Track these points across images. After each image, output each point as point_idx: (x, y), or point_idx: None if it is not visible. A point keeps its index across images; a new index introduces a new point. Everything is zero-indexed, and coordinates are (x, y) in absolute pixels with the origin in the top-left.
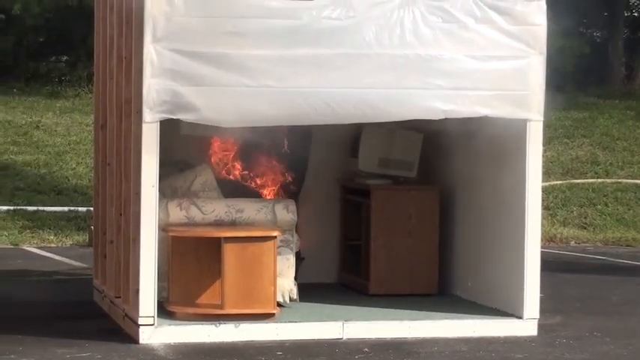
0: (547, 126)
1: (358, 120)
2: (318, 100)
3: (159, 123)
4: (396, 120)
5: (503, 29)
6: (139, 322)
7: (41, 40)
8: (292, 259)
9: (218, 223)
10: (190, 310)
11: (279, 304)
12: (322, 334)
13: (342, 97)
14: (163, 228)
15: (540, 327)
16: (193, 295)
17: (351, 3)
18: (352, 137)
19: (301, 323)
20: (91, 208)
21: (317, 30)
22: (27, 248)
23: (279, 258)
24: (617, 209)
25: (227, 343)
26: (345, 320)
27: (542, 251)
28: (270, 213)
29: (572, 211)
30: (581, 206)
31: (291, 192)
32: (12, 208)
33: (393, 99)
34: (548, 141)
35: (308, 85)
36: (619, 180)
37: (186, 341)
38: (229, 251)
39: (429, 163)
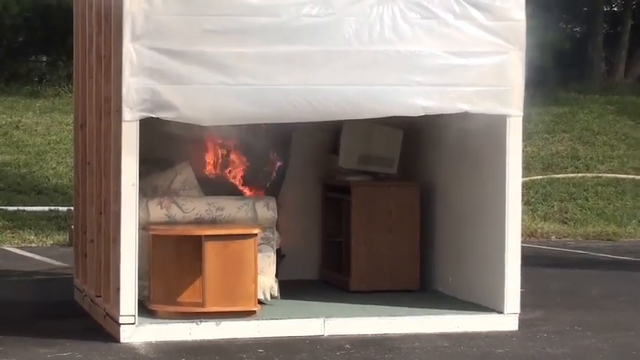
0: (527, 121)
1: (338, 117)
2: (297, 98)
3: (138, 122)
4: (376, 117)
5: (482, 25)
6: (120, 321)
7: (21, 39)
8: (273, 257)
9: (199, 222)
10: (171, 309)
11: (260, 302)
12: (303, 331)
13: (322, 95)
14: (144, 227)
15: (521, 322)
16: (174, 293)
17: (330, 0)
18: (333, 134)
19: (282, 320)
20: (72, 208)
21: (296, 27)
22: (7, 248)
23: (259, 255)
24: (598, 204)
25: (208, 341)
26: (327, 317)
27: (522, 246)
28: (250, 211)
29: (552, 206)
30: (561, 201)
31: (269, 194)
32: None
33: (373, 96)
34: (528, 136)
35: (287, 83)
36: (599, 174)
37: (167, 339)
38: (210, 249)
39: (409, 160)
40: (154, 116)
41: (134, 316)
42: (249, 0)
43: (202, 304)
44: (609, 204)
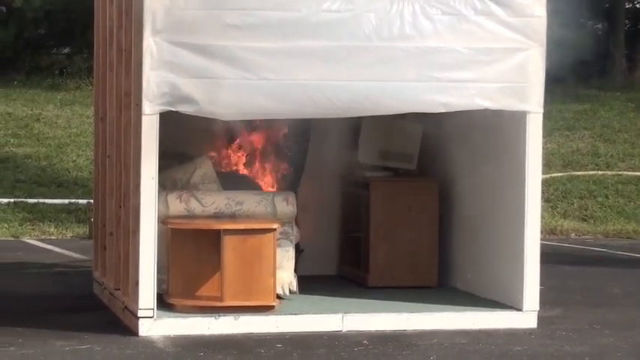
0: (548, 118)
1: (357, 113)
2: (317, 93)
3: (158, 115)
4: (396, 113)
5: (502, 21)
6: (139, 315)
7: (42, 32)
8: (292, 252)
9: (218, 216)
10: (190, 303)
11: (278, 297)
12: (322, 327)
13: (341, 90)
14: (163, 220)
15: (540, 319)
16: (193, 287)
17: None
18: (352, 130)
19: (301, 315)
20: (92, 201)
21: (316, 22)
22: (27, 240)
23: (278, 250)
24: (618, 201)
25: (226, 336)
26: (345, 312)
27: (542, 243)
28: (269, 205)
29: (572, 204)
30: (581, 198)
31: (290, 184)
32: (12, 200)
33: (393, 92)
34: (548, 133)
35: (307, 78)
36: (620, 172)
37: (185, 333)
38: (229, 243)
39: (428, 156)
40: (173, 110)
41: (153, 309)
42: None
43: (221, 299)
44: (629, 202)
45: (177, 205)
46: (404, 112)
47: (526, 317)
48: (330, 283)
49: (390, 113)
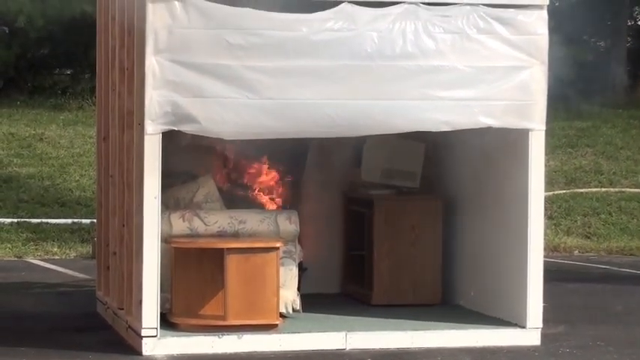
0: (550, 135)
1: (360, 133)
2: (319, 112)
3: (161, 134)
4: (398, 132)
5: (505, 39)
6: (142, 334)
7: (45, 52)
8: (295, 270)
9: (221, 234)
10: (193, 322)
11: (282, 315)
12: (325, 345)
13: (343, 109)
14: (166, 239)
15: (544, 336)
16: (196, 306)
17: (353, 15)
18: (355, 148)
19: (304, 334)
20: (95, 220)
21: (318, 42)
22: (31, 260)
23: (281, 269)
24: (621, 218)
25: (230, 354)
26: (348, 331)
27: (545, 261)
28: (272, 224)
29: (575, 221)
30: (584, 215)
31: (292, 185)
32: (16, 220)
33: (395, 111)
34: (551, 150)
35: (309, 97)
36: (623, 189)
37: (189, 352)
38: (232, 262)
39: (432, 174)
40: (176, 129)
41: (156, 328)
42: (271, 14)
43: (224, 317)
44: (633, 219)
45: (180, 224)
46: (407, 130)
47: (530, 335)
48: (333, 301)
49: (393, 132)
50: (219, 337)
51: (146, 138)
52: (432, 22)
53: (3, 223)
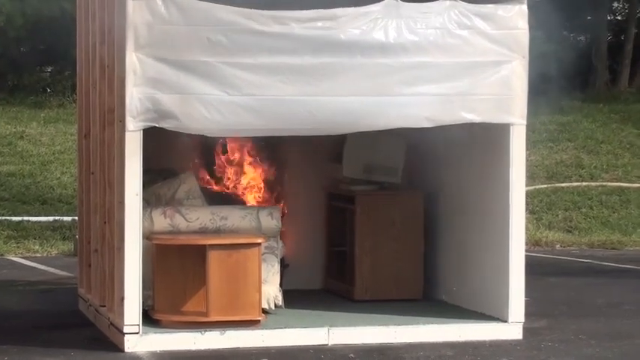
0: (531, 130)
1: (342, 129)
2: (301, 109)
3: (142, 131)
4: (380, 129)
5: (485, 34)
6: (125, 331)
7: (25, 50)
8: (277, 266)
9: (202, 231)
10: (175, 318)
11: (264, 311)
12: (308, 341)
13: (326, 106)
14: (148, 236)
15: (526, 330)
16: (178, 302)
17: (335, 12)
18: (336, 143)
19: (287, 329)
20: (76, 218)
21: (300, 38)
22: (12, 258)
23: (263, 265)
24: (602, 212)
25: (213, 351)
26: (331, 326)
27: (527, 255)
28: (254, 220)
29: (557, 215)
30: (566, 210)
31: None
32: None
33: (377, 108)
34: (532, 145)
35: (290, 94)
36: (604, 183)
37: (171, 349)
38: (214, 258)
39: (413, 169)
40: (157, 126)
41: (138, 325)
42: (252, 11)
43: (206, 314)
44: (613, 212)
45: (161, 220)
46: (389, 127)
47: (512, 329)
48: (315, 297)
49: (376, 129)
50: (201, 334)
51: (127, 135)
52: (413, 19)
53: None
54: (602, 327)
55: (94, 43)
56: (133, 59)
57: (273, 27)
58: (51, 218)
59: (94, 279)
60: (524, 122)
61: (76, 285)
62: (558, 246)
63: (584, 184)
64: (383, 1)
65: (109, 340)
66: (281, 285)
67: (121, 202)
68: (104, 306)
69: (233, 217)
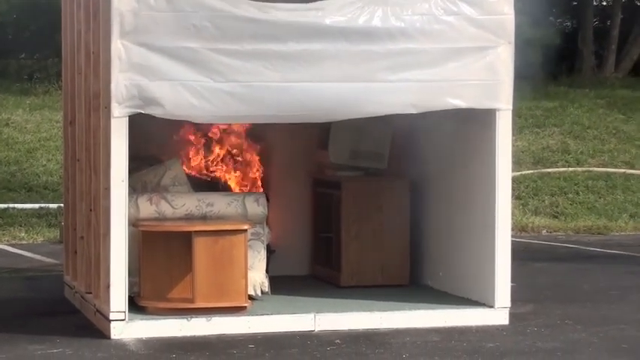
0: (517, 115)
1: (328, 116)
2: (287, 96)
3: (127, 118)
4: (367, 116)
5: (471, 19)
6: (111, 318)
7: (10, 37)
8: (263, 252)
9: (188, 218)
10: (162, 305)
11: (250, 297)
12: (294, 327)
13: (311, 93)
14: (134, 223)
15: (512, 316)
16: (164, 289)
17: (321, 3)
18: (322, 129)
19: (273, 316)
20: (62, 205)
21: (287, 25)
22: None
23: (250, 251)
24: (588, 197)
25: (199, 337)
26: (317, 312)
27: (514, 241)
28: (240, 206)
29: (543, 200)
30: (552, 195)
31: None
32: None
33: (363, 94)
34: (518, 130)
35: (277, 80)
36: (590, 168)
37: (158, 336)
38: (200, 245)
39: (399, 155)
40: (142, 112)
41: (124, 312)
42: None
43: (192, 300)
44: (600, 198)
45: (147, 207)
46: (375, 114)
47: (498, 314)
48: (302, 283)
49: (362, 116)
50: (187, 320)
51: (113, 121)
52: (400, 5)
53: None
54: (588, 312)
55: (79, 29)
56: (118, 46)
57: (258, 14)
58: (37, 205)
59: (80, 266)
60: (510, 108)
61: (61, 272)
62: (544, 231)
63: (570, 169)
64: None
65: (95, 327)
66: (267, 271)
67: (107, 189)
68: (90, 293)
69: (219, 203)
